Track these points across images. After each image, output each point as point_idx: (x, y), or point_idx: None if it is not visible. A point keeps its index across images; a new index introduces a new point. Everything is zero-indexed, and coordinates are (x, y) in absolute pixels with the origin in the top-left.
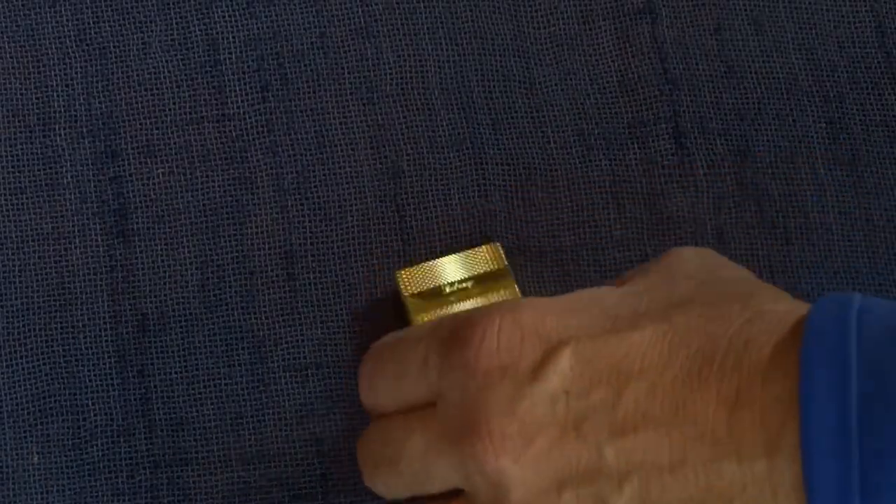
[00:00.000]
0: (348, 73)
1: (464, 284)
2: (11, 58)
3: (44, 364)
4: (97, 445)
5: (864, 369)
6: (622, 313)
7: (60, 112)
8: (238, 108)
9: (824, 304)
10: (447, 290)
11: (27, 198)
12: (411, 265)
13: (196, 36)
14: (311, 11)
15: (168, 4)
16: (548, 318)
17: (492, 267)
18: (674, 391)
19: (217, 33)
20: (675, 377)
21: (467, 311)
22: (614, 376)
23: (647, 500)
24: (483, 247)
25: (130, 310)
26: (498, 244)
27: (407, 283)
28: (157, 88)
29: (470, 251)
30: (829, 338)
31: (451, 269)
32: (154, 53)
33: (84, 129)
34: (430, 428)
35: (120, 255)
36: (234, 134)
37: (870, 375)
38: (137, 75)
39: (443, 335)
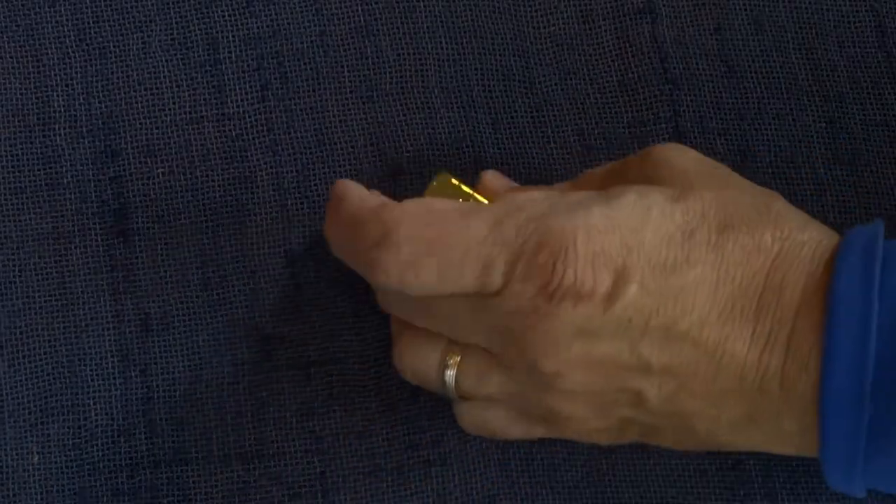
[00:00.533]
0: (348, 71)
1: None
2: (11, 58)
3: (45, 364)
4: (98, 445)
5: (886, 335)
6: (678, 238)
7: (60, 112)
8: (238, 107)
9: (849, 260)
10: None
11: (27, 197)
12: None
13: (196, 35)
14: (311, 10)
15: (168, 4)
16: (616, 238)
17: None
18: (718, 326)
19: (217, 32)
20: (721, 313)
21: (538, 220)
22: (671, 307)
23: (674, 401)
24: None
25: (132, 309)
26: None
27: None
28: (157, 88)
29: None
30: (852, 306)
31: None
32: (154, 53)
33: (84, 129)
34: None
35: (120, 254)
36: (234, 133)
37: (891, 337)
38: (137, 75)
39: (514, 247)
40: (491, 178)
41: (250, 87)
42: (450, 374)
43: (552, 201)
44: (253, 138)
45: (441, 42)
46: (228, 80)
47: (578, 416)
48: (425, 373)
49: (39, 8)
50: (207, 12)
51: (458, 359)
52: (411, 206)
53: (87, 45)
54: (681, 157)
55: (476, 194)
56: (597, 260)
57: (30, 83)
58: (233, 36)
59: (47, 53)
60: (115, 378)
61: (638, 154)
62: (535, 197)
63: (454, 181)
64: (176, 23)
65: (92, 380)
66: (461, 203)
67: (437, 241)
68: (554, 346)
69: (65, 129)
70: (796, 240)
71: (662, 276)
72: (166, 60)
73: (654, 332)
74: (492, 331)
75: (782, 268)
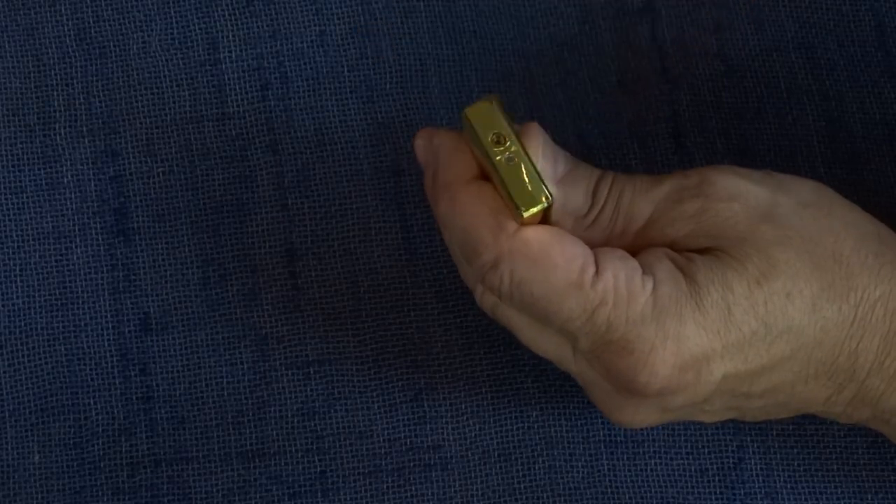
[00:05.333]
0: (348, 71)
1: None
2: (11, 57)
3: (45, 363)
4: (98, 444)
5: None
6: (761, 333)
7: (60, 112)
8: (238, 106)
9: None
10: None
11: (27, 197)
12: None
13: (196, 35)
14: (311, 10)
15: (168, 3)
16: (704, 342)
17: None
18: (799, 385)
19: (217, 32)
20: (796, 382)
21: (626, 326)
22: (753, 383)
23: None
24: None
25: (132, 308)
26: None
27: (480, 122)
28: (157, 87)
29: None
30: None
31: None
32: (154, 52)
33: (84, 129)
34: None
35: (121, 253)
36: (234, 132)
37: None
38: (137, 75)
39: (599, 345)
40: (534, 133)
41: (250, 86)
42: None
43: (643, 307)
44: (253, 137)
45: (441, 42)
46: (228, 79)
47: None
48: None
49: (39, 8)
50: (207, 12)
51: None
52: (523, 244)
53: (87, 44)
54: (743, 210)
55: (514, 135)
56: (683, 367)
57: (30, 83)
58: (233, 35)
59: (47, 53)
60: (115, 377)
61: (693, 191)
62: (631, 294)
63: (499, 113)
64: (176, 22)
65: (92, 379)
66: (575, 263)
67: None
68: (631, 414)
69: (65, 128)
70: (870, 299)
71: (744, 365)
72: (166, 60)
73: (733, 398)
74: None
75: (857, 335)
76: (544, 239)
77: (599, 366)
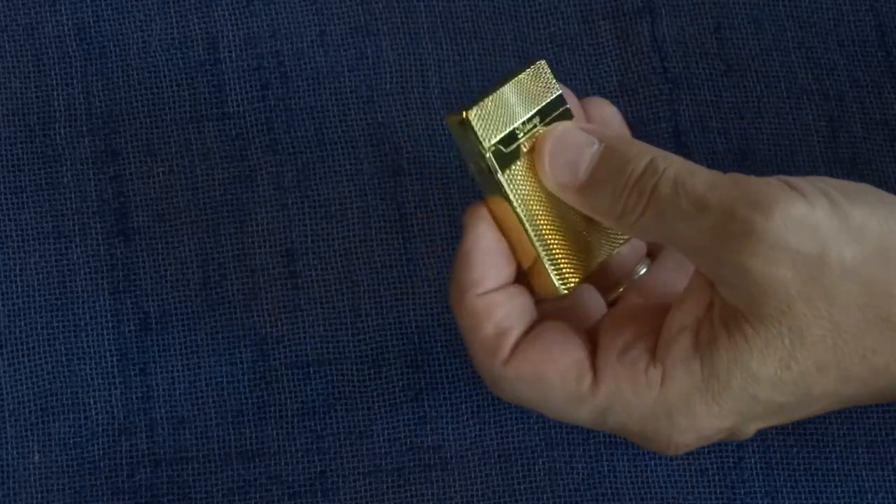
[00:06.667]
0: (348, 71)
1: (532, 123)
2: (11, 57)
3: (45, 363)
4: (98, 444)
5: None
6: (787, 413)
7: (60, 111)
8: (238, 106)
9: None
10: (519, 134)
11: (27, 197)
12: (471, 103)
13: (196, 34)
14: (311, 10)
15: (168, 3)
16: (727, 424)
17: (549, 96)
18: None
19: (217, 31)
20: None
21: (642, 423)
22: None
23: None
24: (531, 68)
25: (132, 308)
26: (543, 62)
27: (483, 126)
28: (157, 87)
29: (520, 76)
30: None
31: (516, 104)
32: (154, 52)
33: (84, 129)
34: None
35: (121, 253)
36: (234, 132)
37: None
38: (137, 74)
39: (619, 433)
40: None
41: (250, 86)
42: None
43: (652, 406)
44: (253, 137)
45: (441, 42)
46: (228, 79)
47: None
48: None
49: (39, 7)
50: (207, 11)
51: None
52: (514, 371)
53: (87, 44)
54: (785, 278)
55: (566, 95)
56: (710, 438)
57: (30, 83)
58: (233, 35)
59: (47, 53)
60: (114, 377)
61: (736, 244)
62: (637, 395)
63: (552, 79)
64: (176, 21)
65: (92, 379)
66: None
67: None
68: (666, 447)
69: (65, 128)
70: None
71: (780, 419)
72: (166, 59)
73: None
74: None
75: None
76: (535, 359)
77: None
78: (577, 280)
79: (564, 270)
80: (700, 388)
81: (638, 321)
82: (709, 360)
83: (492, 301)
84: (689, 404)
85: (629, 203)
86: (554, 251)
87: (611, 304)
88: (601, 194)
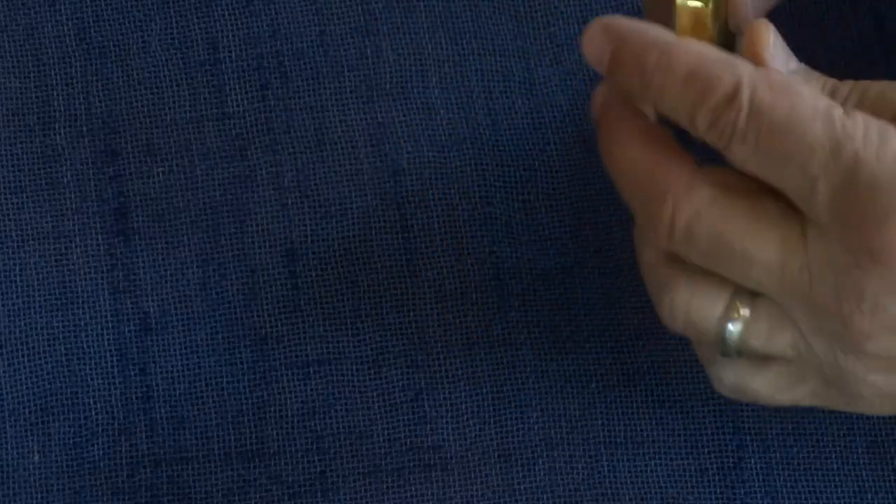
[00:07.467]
0: (348, 71)
1: None
2: (11, 57)
3: (45, 363)
4: (98, 444)
5: None
6: None
7: (60, 111)
8: (238, 106)
9: None
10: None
11: (27, 197)
12: None
13: (196, 34)
14: (311, 10)
15: (168, 4)
16: None
17: None
18: None
19: (217, 32)
20: None
21: (874, 169)
22: None
23: None
24: None
25: (132, 308)
26: None
27: None
28: (157, 87)
29: None
30: None
31: None
32: (154, 52)
33: (84, 129)
34: None
35: (120, 253)
36: (233, 132)
37: None
38: (137, 74)
39: (841, 192)
40: (763, 34)
41: (250, 86)
42: (733, 327)
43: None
44: (253, 137)
45: (441, 42)
46: (228, 79)
47: (879, 384)
48: (702, 324)
49: (39, 8)
50: (207, 11)
51: (748, 311)
52: (764, 73)
53: (87, 44)
54: None
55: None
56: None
57: (30, 83)
58: (233, 35)
59: (47, 53)
60: (114, 377)
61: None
62: (883, 137)
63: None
64: (176, 21)
65: (91, 379)
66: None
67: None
68: (871, 306)
69: (65, 128)
70: None
71: None
72: (166, 59)
73: None
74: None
75: None
76: (784, 78)
77: (838, 227)
78: None
79: None
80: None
81: None
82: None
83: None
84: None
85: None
86: None
87: None
88: None
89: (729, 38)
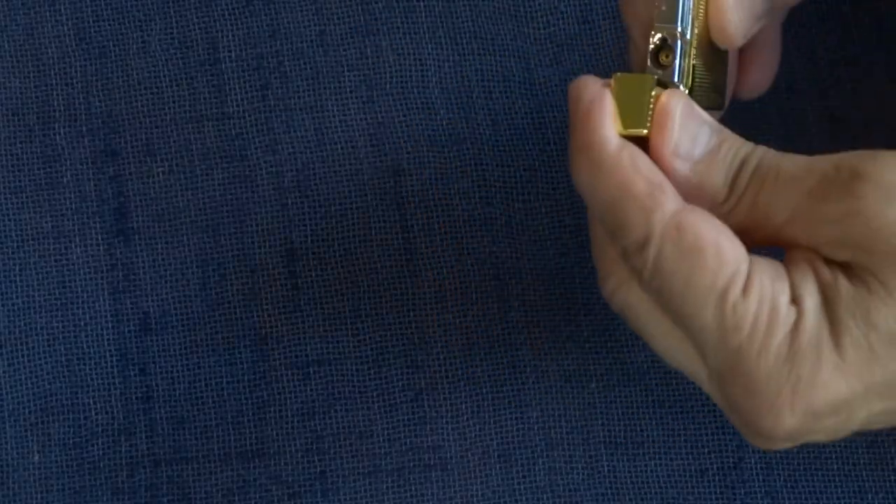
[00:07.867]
0: (348, 71)
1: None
2: (11, 57)
3: (45, 363)
4: (98, 444)
5: None
6: None
7: (60, 111)
8: (238, 106)
9: None
10: None
11: (27, 197)
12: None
13: (196, 34)
14: (311, 10)
15: (168, 4)
16: (838, 396)
17: None
18: None
19: (217, 32)
20: None
21: (754, 365)
22: None
23: None
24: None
25: (132, 308)
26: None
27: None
28: (157, 87)
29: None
30: None
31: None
32: (154, 52)
33: (84, 129)
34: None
35: (120, 253)
36: (233, 132)
37: None
38: (137, 74)
39: (726, 371)
40: (672, 106)
41: (250, 86)
42: None
43: (779, 344)
44: (253, 137)
45: (441, 42)
46: (228, 79)
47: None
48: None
49: (39, 7)
50: (207, 11)
51: None
52: (677, 230)
53: (86, 44)
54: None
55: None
56: (816, 415)
57: (30, 83)
58: (232, 35)
59: (47, 53)
60: (114, 377)
61: (841, 188)
62: (770, 327)
63: (651, 88)
64: (175, 22)
65: (91, 379)
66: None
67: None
68: (767, 414)
69: (64, 128)
70: None
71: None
72: (166, 59)
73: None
74: None
75: None
76: (702, 232)
77: (723, 398)
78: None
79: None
80: (826, 333)
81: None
82: (830, 303)
83: (639, 150)
84: (818, 349)
85: (735, 195)
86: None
87: None
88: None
89: (716, 55)
